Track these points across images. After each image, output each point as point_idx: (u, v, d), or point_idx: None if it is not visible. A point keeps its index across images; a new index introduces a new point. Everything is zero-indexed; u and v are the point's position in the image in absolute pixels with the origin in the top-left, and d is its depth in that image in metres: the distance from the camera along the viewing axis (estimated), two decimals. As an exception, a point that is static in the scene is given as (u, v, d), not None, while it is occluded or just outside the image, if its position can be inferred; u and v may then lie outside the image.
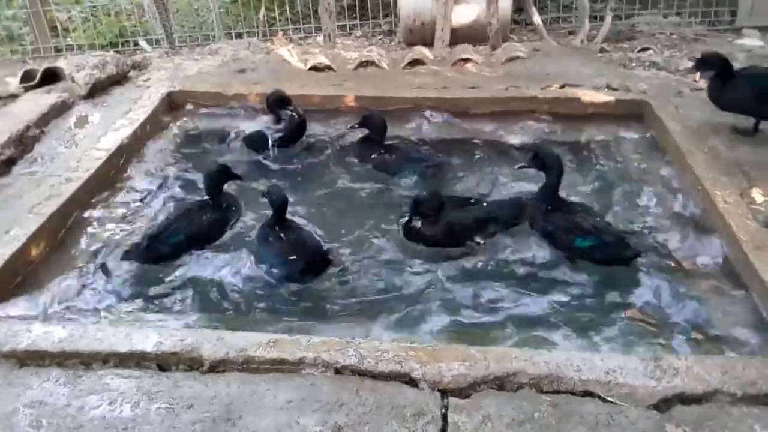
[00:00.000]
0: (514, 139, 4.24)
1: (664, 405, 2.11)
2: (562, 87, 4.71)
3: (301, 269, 2.95)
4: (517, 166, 3.44)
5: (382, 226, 3.39)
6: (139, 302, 2.88)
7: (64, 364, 2.31)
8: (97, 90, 4.75)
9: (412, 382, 2.20)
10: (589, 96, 4.50)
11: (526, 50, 5.49)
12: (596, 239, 2.96)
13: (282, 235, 3.02)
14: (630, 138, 4.22)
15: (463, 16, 5.88)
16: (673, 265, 3.02)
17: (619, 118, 4.40)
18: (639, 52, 5.53)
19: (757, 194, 3.26)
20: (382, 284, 3.00)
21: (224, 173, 3.36)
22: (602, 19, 6.08)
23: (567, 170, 3.34)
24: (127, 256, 3.06)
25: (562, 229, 3.05)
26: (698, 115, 4.20)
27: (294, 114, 4.12)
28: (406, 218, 3.20)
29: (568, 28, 6.41)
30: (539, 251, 3.13)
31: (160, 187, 3.76)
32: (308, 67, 5.27)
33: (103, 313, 2.79)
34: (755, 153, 3.67)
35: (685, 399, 2.13)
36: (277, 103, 4.16)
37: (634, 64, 5.24)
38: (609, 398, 2.13)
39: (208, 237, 3.21)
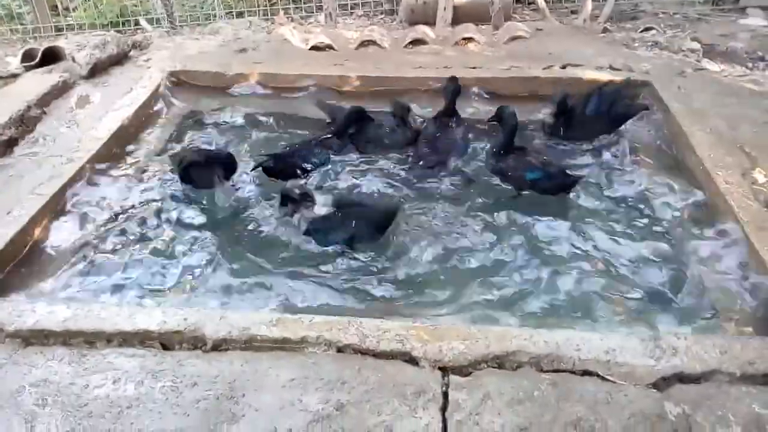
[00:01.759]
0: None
1: (663, 384, 2.13)
2: (564, 67, 4.69)
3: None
4: (487, 121, 3.82)
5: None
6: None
7: (69, 343, 2.33)
8: (98, 70, 4.74)
9: (413, 361, 2.22)
10: (591, 76, 4.48)
11: (529, 30, 5.46)
12: (542, 171, 3.41)
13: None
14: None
15: (466, -6, 5.85)
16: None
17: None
18: (642, 32, 5.50)
19: (759, 174, 3.26)
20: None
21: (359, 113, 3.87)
22: (605, -2, 6.05)
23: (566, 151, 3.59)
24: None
25: (512, 167, 3.51)
26: (701, 95, 4.18)
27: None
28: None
29: (570, 8, 6.36)
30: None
31: (159, 166, 3.76)
32: (309, 46, 5.24)
33: (107, 292, 2.81)
34: (757, 134, 3.66)
35: (683, 378, 2.15)
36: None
37: (636, 44, 5.21)
38: (608, 377, 2.15)
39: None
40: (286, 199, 3.17)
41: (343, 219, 3.09)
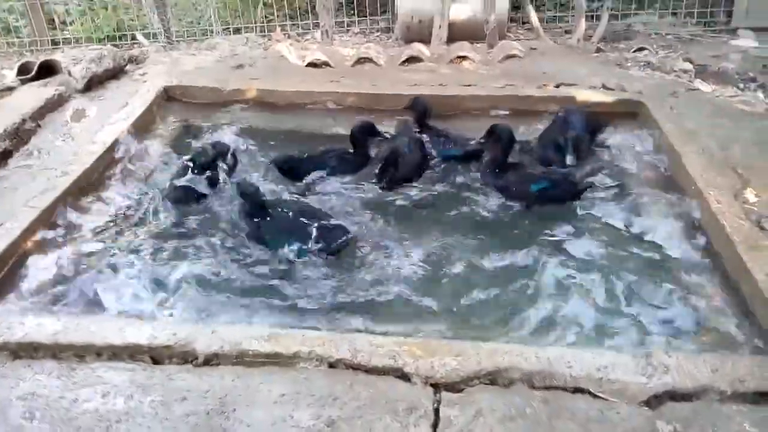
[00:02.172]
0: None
1: (654, 401, 2.12)
2: (557, 86, 4.73)
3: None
4: (478, 140, 3.80)
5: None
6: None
7: (58, 356, 2.31)
8: (94, 84, 4.75)
9: (405, 377, 2.21)
10: (584, 95, 4.52)
11: (523, 48, 5.51)
12: (547, 181, 3.46)
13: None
14: (625, 138, 4.22)
15: (461, 13, 5.90)
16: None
17: (615, 117, 4.41)
18: (635, 52, 5.55)
19: (750, 194, 3.28)
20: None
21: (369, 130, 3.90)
22: (599, 18, 6.11)
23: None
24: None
25: (514, 181, 3.52)
26: (694, 115, 4.22)
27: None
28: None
29: (564, 27, 6.42)
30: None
31: (154, 181, 3.76)
32: (306, 63, 5.27)
33: (97, 305, 2.80)
34: (749, 154, 3.69)
35: (675, 396, 2.14)
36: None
37: (629, 64, 5.26)
38: (600, 394, 2.14)
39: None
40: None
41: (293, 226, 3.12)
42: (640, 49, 5.59)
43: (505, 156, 3.62)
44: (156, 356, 2.32)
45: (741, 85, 4.82)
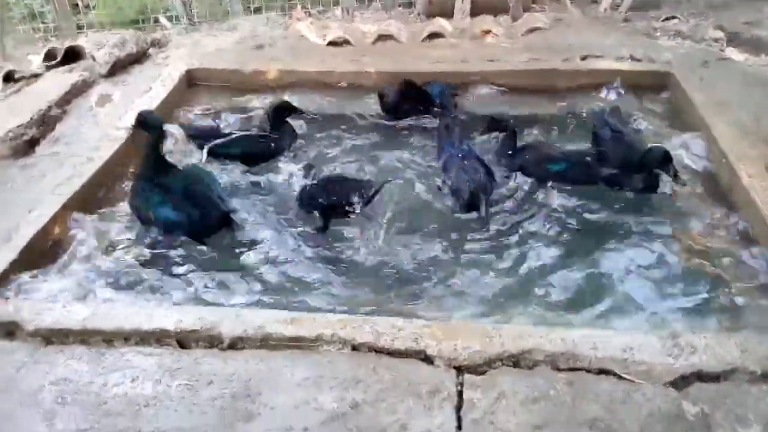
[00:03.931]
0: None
1: (681, 383, 2.10)
2: (584, 59, 4.62)
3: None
4: (479, 134, 3.84)
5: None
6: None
7: (88, 341, 2.36)
8: (117, 68, 4.78)
9: (427, 360, 2.22)
10: (611, 67, 4.42)
11: (548, 20, 5.39)
12: (566, 162, 3.43)
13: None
14: (653, 110, 4.14)
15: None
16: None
17: (644, 89, 4.32)
18: (664, 20, 5.39)
19: (783, 167, 3.19)
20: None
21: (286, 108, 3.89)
22: (627, -14, 5.94)
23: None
24: None
25: (533, 161, 3.51)
26: (724, 85, 4.10)
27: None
28: None
29: (592, -3, 6.26)
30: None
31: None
32: (326, 42, 5.23)
33: (126, 291, 2.84)
34: (782, 124, 3.58)
35: (702, 376, 2.11)
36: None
37: (658, 34, 5.12)
38: (625, 376, 2.12)
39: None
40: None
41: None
42: (670, 18, 5.43)
43: (514, 140, 3.66)
44: (182, 340, 2.36)
45: (775, 53, 4.67)
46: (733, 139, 3.43)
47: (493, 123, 3.75)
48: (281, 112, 3.90)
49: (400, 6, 6.42)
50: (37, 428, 2.05)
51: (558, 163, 3.44)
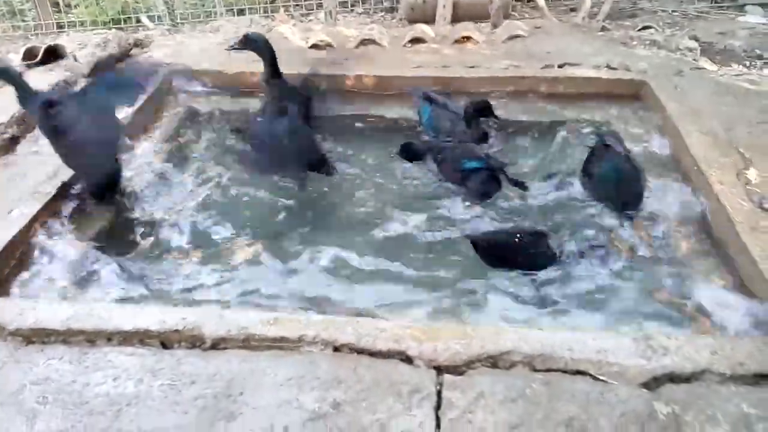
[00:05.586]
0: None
1: (653, 383, 2.16)
2: (561, 66, 4.71)
3: None
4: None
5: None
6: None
7: (70, 341, 2.36)
8: (99, 68, 4.75)
9: (408, 360, 2.25)
10: (587, 75, 4.50)
11: (527, 28, 5.48)
12: (481, 162, 3.42)
13: None
14: (627, 118, 4.22)
15: (465, -8, 5.86)
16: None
17: (619, 97, 4.40)
18: (640, 30, 5.51)
19: (753, 175, 3.28)
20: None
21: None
22: (604, -5, 6.06)
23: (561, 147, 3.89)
24: None
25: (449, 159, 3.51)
26: (698, 94, 4.20)
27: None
28: None
29: (570, 5, 6.37)
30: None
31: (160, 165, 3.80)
32: (309, 45, 5.26)
33: (107, 291, 2.85)
34: (752, 134, 3.68)
35: (674, 378, 2.17)
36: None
37: (635, 43, 5.22)
38: (600, 377, 2.18)
39: None
40: None
41: None
42: (646, 27, 5.55)
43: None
44: (165, 341, 2.37)
45: (747, 63, 4.79)
46: (706, 146, 3.52)
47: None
48: (480, 112, 3.84)
49: (382, 11, 6.49)
50: (18, 428, 2.05)
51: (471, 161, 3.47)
